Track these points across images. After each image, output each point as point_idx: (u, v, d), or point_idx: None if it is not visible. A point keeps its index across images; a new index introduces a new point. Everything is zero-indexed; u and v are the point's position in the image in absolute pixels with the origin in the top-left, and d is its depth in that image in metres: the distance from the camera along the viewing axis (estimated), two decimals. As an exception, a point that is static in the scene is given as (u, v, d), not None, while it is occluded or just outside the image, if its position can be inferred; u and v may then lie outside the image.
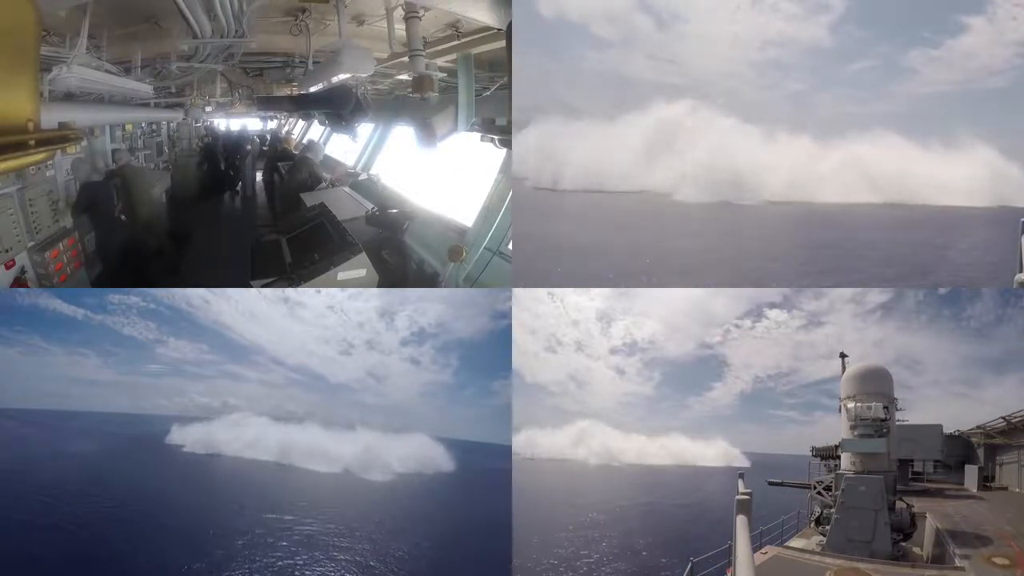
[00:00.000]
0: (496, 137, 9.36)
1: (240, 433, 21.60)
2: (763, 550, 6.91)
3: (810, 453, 11.05)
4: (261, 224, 15.28)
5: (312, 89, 11.33)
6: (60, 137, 7.11)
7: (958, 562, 6.22)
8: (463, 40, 9.68)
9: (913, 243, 16.62)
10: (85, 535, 10.18)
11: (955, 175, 25.96)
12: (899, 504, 7.57)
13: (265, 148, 23.84)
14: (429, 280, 10.74)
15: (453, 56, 10.14)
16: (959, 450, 13.02)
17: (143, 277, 11.27)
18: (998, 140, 25.16)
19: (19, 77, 5.45)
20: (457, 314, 22.17)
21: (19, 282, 8.54)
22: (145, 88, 10.73)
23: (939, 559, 6.90)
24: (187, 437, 22.24)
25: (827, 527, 7.52)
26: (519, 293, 10.27)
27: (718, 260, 14.17)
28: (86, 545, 9.71)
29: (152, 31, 9.39)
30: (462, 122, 10.27)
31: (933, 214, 22.82)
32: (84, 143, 10.20)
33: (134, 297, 22.53)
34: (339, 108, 11.28)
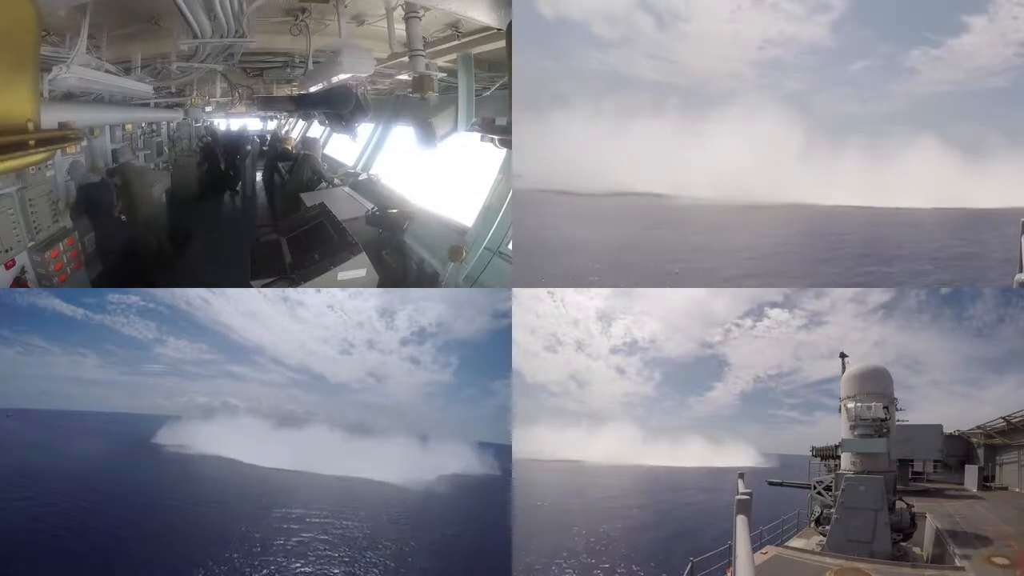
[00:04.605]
0: (496, 137, 9.33)
1: (239, 433, 21.63)
2: (763, 550, 6.91)
3: (810, 453, 11.06)
4: (261, 224, 15.27)
5: (312, 89, 11.33)
6: (60, 137, 7.13)
7: (958, 562, 6.22)
8: (463, 40, 9.67)
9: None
10: (83, 534, 10.18)
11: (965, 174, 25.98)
12: (899, 504, 7.56)
13: (265, 148, 23.86)
14: (429, 280, 10.73)
15: (453, 56, 10.13)
16: (959, 450, 13.02)
17: (143, 277, 11.27)
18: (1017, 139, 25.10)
19: (19, 77, 5.47)
20: (457, 314, 22.16)
21: (19, 282, 8.53)
22: (145, 88, 10.73)
23: (939, 559, 6.90)
24: (186, 437, 22.28)
25: (827, 527, 7.52)
26: (519, 293, 10.26)
27: (723, 261, 14.19)
28: (85, 544, 9.71)
29: (152, 31, 9.37)
30: (462, 122, 10.25)
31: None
32: (84, 143, 10.20)
33: (134, 297, 22.54)
34: (339, 108, 11.26)
